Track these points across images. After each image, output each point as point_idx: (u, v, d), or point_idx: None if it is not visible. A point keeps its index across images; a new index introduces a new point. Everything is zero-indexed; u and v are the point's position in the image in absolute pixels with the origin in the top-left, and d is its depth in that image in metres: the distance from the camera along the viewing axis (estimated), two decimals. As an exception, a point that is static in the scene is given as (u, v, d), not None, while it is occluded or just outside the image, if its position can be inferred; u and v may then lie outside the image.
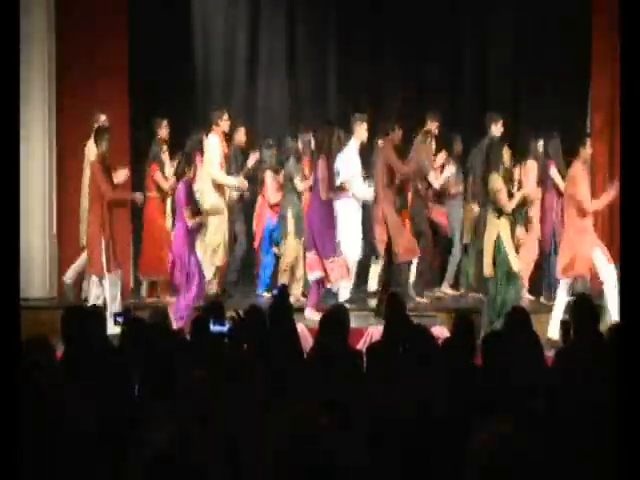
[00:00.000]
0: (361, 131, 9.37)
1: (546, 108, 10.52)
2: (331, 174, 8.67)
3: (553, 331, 8.09)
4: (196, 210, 8.53)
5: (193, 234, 8.54)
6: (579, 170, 8.45)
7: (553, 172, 9.39)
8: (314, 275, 8.66)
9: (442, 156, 9.74)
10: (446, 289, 10.17)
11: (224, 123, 9.53)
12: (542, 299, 9.55)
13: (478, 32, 11.21)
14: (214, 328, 5.08)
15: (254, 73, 11.38)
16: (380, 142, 9.34)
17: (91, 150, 9.26)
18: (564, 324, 5.71)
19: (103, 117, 9.37)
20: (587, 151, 8.56)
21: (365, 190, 9.34)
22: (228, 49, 11.39)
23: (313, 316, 8.29)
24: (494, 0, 11.07)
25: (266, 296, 9.84)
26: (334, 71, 11.34)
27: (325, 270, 8.58)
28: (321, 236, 8.57)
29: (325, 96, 11.35)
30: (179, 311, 8.30)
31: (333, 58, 11.36)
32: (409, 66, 11.17)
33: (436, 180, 9.61)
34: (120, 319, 5.35)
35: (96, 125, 9.17)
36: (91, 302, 8.42)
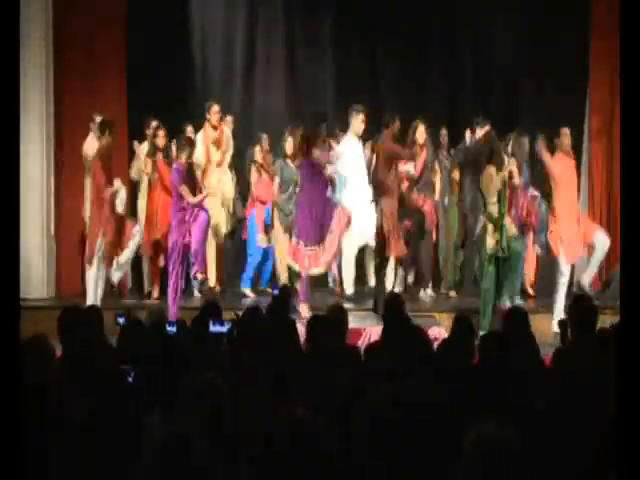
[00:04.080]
0: (357, 122, 9.15)
1: (545, 109, 10.52)
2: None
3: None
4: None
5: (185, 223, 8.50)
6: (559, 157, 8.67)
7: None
8: (315, 270, 8.64)
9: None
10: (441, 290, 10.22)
11: (212, 116, 9.71)
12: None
13: (477, 32, 11.20)
14: (213, 328, 5.08)
15: (252, 73, 11.38)
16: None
17: (89, 149, 9.31)
18: (562, 324, 5.71)
19: (99, 118, 9.34)
20: (562, 139, 8.62)
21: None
22: (226, 49, 11.38)
23: (305, 312, 8.34)
24: (492, 1, 11.08)
25: (248, 293, 9.97)
26: (332, 71, 11.34)
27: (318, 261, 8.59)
28: (307, 225, 8.54)
29: (324, 96, 11.34)
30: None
31: (331, 58, 11.35)
32: (408, 65, 11.17)
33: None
34: (121, 319, 5.35)
35: (99, 119, 9.16)
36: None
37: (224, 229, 10.00)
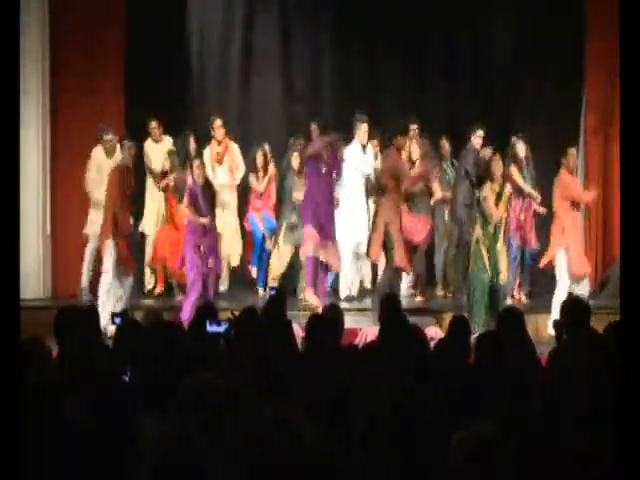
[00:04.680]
0: (361, 132, 9.50)
1: (540, 109, 10.53)
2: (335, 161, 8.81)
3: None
4: (203, 210, 8.57)
5: (195, 236, 8.56)
6: (566, 177, 8.69)
7: (513, 171, 9.41)
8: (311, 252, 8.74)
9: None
10: (438, 291, 10.22)
11: (215, 131, 9.87)
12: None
13: (475, 33, 11.19)
14: (211, 328, 5.09)
15: (249, 72, 11.35)
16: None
17: (98, 155, 9.32)
18: (557, 324, 5.72)
19: (109, 137, 9.37)
20: (569, 159, 8.69)
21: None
22: (223, 49, 11.36)
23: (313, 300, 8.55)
24: (491, 2, 11.08)
25: (253, 273, 10.06)
26: (329, 70, 11.32)
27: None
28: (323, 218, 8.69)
29: (320, 96, 11.34)
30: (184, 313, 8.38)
31: (328, 57, 11.33)
32: (405, 65, 11.17)
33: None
34: (117, 319, 5.34)
35: (113, 138, 9.26)
36: (107, 304, 8.38)
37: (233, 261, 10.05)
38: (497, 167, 8.33)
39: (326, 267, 8.88)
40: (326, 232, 8.72)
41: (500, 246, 8.33)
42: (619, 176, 9.74)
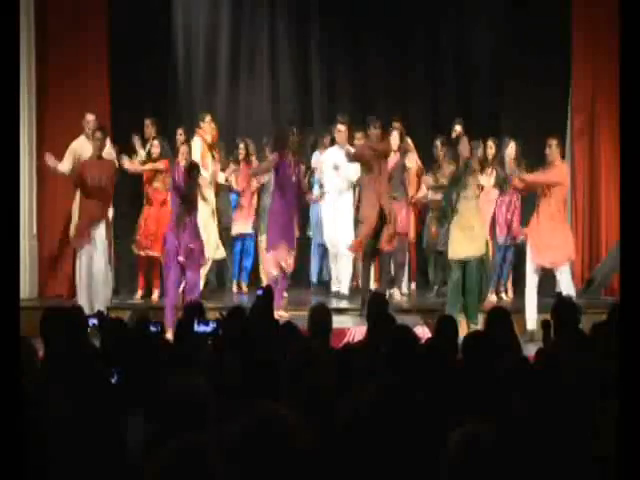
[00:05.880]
0: (339, 134, 9.65)
1: (526, 109, 10.56)
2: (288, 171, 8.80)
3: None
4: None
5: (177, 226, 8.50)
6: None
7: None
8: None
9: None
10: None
11: (205, 125, 9.81)
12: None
13: (461, 33, 11.23)
14: (198, 328, 5.08)
15: (236, 73, 11.36)
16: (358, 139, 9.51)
17: (84, 148, 9.30)
18: (545, 323, 5.73)
19: (91, 117, 9.42)
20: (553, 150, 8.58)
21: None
22: (210, 49, 11.36)
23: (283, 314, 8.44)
24: (478, 2, 11.11)
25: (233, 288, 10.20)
26: (317, 70, 11.33)
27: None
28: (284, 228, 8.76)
29: (309, 96, 11.34)
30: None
31: (316, 57, 11.34)
32: (393, 66, 11.19)
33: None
34: (94, 321, 5.29)
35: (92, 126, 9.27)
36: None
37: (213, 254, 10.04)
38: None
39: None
40: (284, 236, 8.77)
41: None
42: (606, 176, 9.97)
